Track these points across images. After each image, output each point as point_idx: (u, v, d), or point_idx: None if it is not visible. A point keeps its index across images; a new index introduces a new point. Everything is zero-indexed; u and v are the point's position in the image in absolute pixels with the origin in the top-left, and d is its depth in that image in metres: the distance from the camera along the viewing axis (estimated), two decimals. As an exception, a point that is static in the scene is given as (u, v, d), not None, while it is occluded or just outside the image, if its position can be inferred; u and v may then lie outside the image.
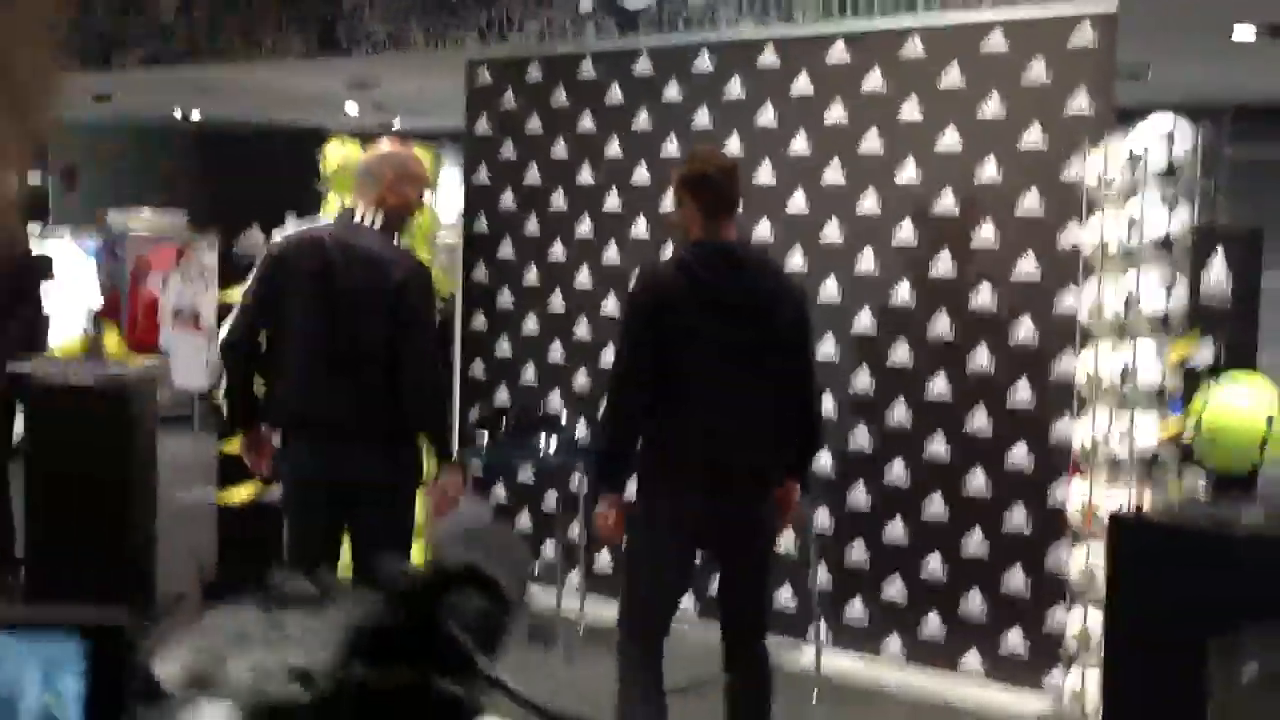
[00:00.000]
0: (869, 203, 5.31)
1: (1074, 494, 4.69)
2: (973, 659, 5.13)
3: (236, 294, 6.52)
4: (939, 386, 5.17)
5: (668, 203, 5.82)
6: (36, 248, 9.90)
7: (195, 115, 12.13)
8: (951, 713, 4.94)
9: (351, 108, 10.00)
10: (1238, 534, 3.23)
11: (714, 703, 3.85)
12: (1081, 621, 4.61)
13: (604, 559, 6.00)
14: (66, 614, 0.47)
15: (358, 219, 3.95)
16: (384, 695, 0.43)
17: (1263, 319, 4.12)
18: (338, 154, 6.35)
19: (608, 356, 6.02)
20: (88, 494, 5.51)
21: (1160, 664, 3.28)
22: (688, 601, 5.58)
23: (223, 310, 6.49)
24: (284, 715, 0.41)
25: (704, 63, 5.74)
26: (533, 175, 6.28)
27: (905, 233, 5.23)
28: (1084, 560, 4.57)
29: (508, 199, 6.35)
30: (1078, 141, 4.72)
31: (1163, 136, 4.43)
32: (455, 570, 0.46)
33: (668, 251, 5.82)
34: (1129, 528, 3.47)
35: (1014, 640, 5.04)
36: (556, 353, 6.18)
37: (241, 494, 6.40)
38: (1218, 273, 4.11)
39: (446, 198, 8.26)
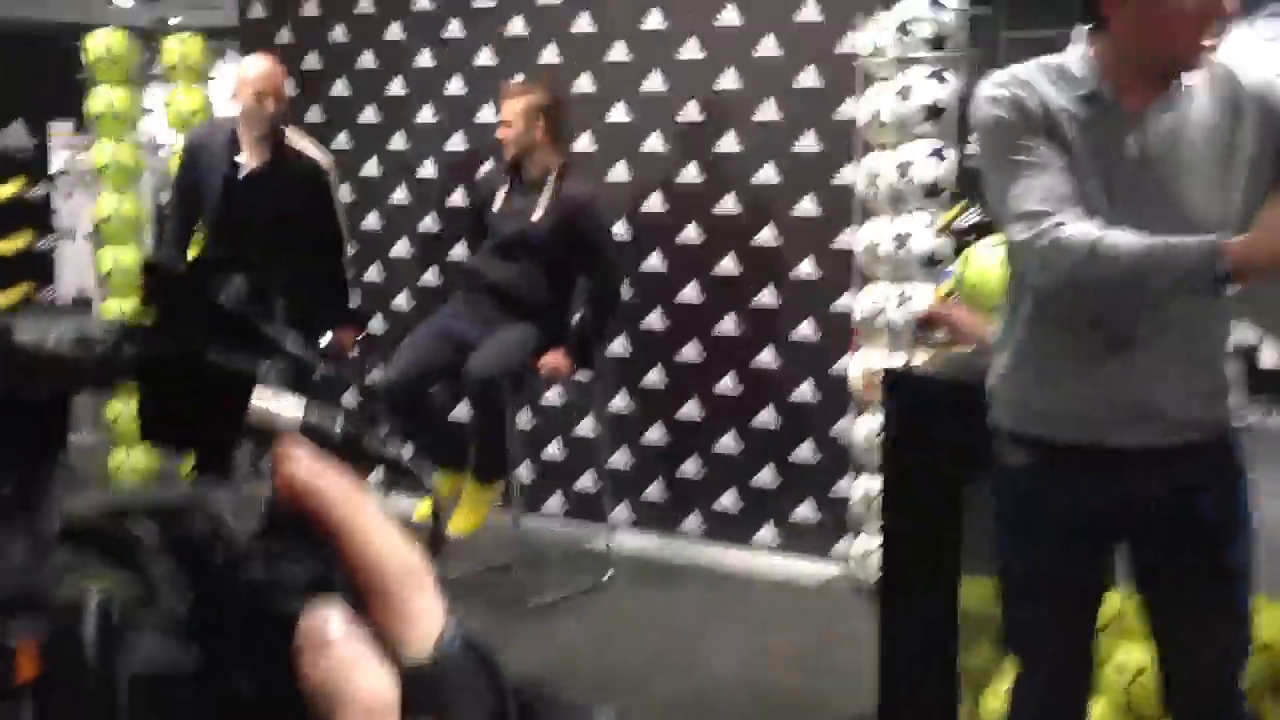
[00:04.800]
0: (654, 81, 5.28)
1: (855, 364, 4.82)
2: (767, 532, 5.27)
3: (4, 191, 6.18)
4: (727, 264, 5.22)
5: (454, 85, 5.70)
6: None
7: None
8: (747, 584, 5.07)
9: (123, 2, 9.46)
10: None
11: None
12: (865, 488, 4.77)
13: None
14: None
15: None
16: (159, 367, 0.45)
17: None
18: (100, 44, 6.02)
19: (400, 247, 5.90)
20: None
21: (924, 510, 3.41)
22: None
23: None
24: (60, 366, 0.42)
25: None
26: (312, 61, 6.05)
27: (690, 111, 5.23)
28: (867, 429, 4.72)
29: (289, 87, 6.10)
30: (851, 14, 4.77)
31: (930, 6, 4.52)
32: (215, 260, 0.49)
33: (454, 142, 5.72)
34: (899, 383, 3.57)
35: (805, 511, 5.19)
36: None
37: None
38: (983, 139, 4.22)
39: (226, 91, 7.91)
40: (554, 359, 4.68)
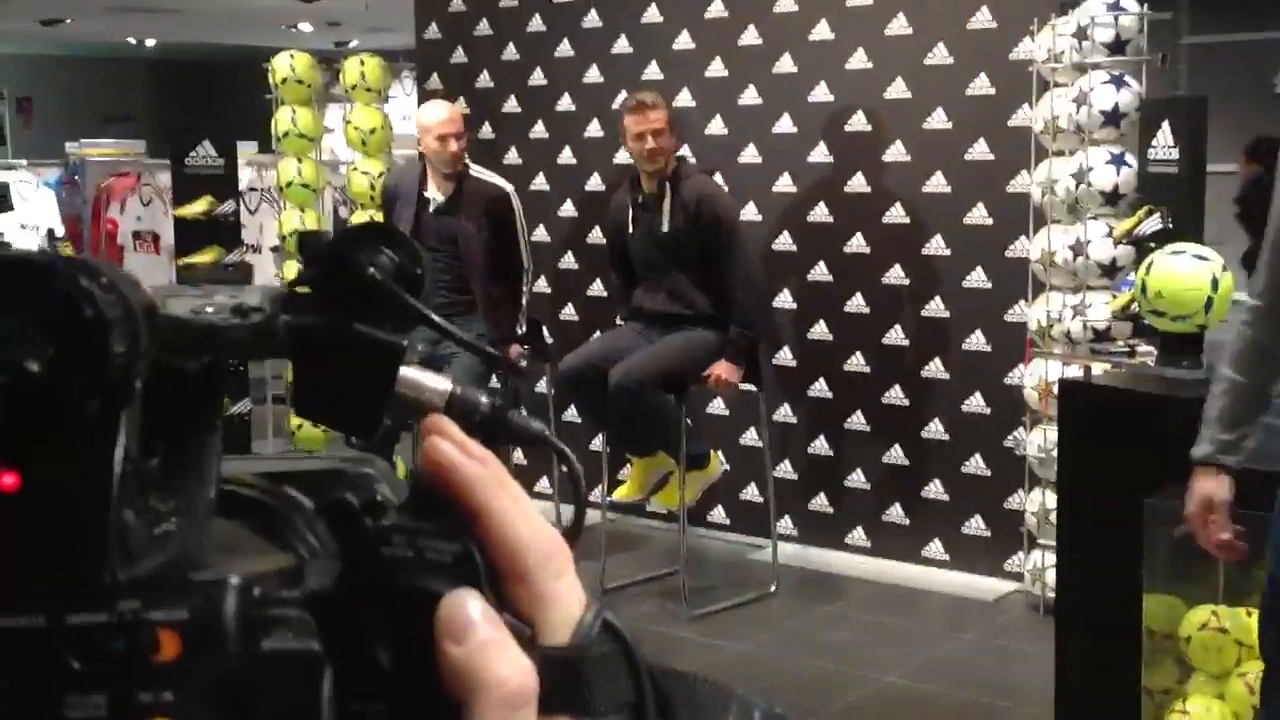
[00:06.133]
0: (820, 91, 5.26)
1: (1030, 375, 4.72)
2: (936, 546, 5.18)
3: (193, 209, 6.48)
4: (895, 274, 5.16)
5: (621, 100, 5.77)
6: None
7: (150, 42, 11.96)
8: (915, 598, 5.00)
9: (306, 27, 9.86)
10: (1174, 395, 3.25)
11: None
12: (1040, 502, 4.66)
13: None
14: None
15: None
16: (311, 337, 0.45)
17: (1209, 189, 4.12)
18: (285, 66, 6.27)
19: (567, 259, 6.00)
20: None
21: (1103, 527, 3.32)
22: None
23: (180, 226, 6.44)
24: (221, 336, 0.42)
25: (653, -43, 5.66)
26: (484, 80, 6.20)
27: (857, 120, 5.19)
28: (1042, 440, 4.61)
29: (460, 105, 6.27)
30: (1026, 19, 4.68)
31: (1109, 10, 4.41)
32: (368, 228, 0.48)
33: (620, 155, 5.78)
34: (1076, 393, 3.49)
35: (975, 525, 5.09)
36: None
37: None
38: (1164, 144, 4.10)
39: (402, 111, 8.17)
40: (721, 368, 4.66)
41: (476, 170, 5.12)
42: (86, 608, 0.34)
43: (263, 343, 0.45)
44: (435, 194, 5.02)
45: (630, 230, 4.79)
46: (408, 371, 0.48)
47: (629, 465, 5.04)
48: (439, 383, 0.49)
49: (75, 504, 0.35)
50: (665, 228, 4.66)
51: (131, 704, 0.33)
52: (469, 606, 0.37)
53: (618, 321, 5.31)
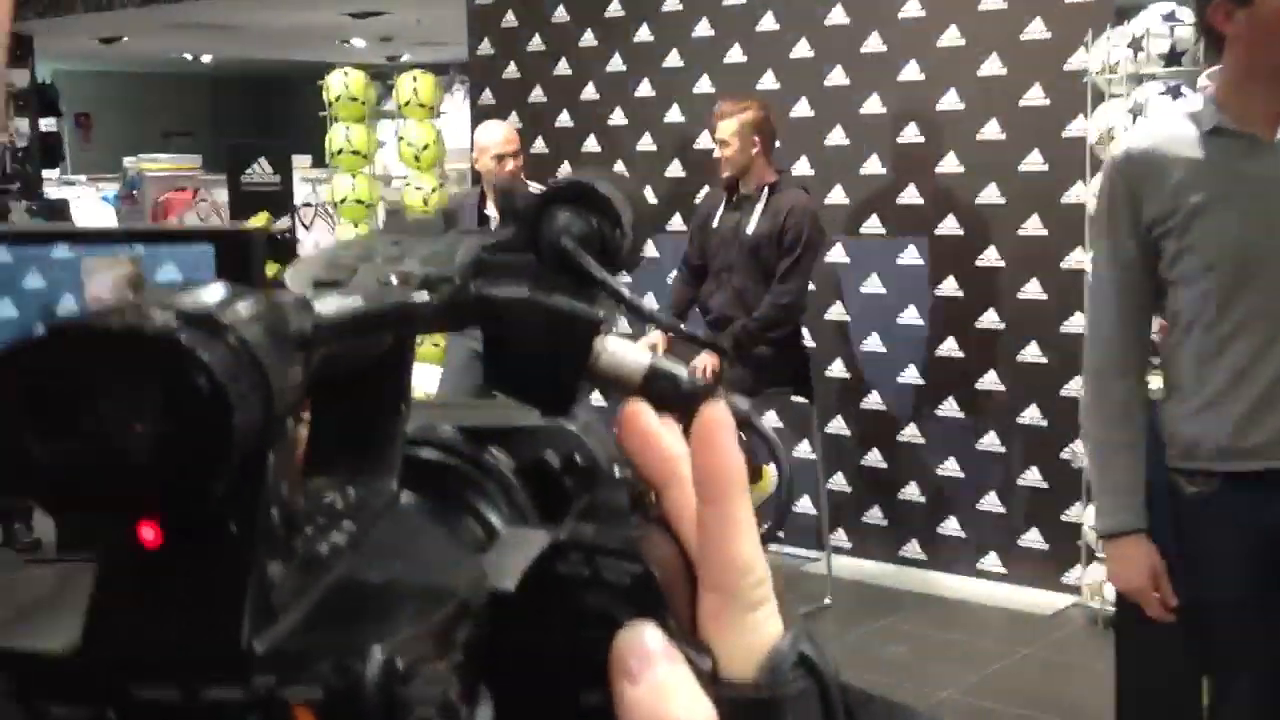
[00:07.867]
0: (872, 103, 5.25)
1: (1086, 387, 4.67)
2: (992, 559, 5.15)
3: (252, 223, 6.58)
4: (949, 286, 5.15)
5: (672, 114, 5.80)
6: (54, 193, 9.96)
7: (206, 58, 12.13)
8: (971, 613, 4.97)
9: (359, 42, 9.96)
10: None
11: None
12: (1098, 515, 4.62)
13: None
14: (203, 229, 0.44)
15: None
16: (501, 309, 0.43)
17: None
18: (340, 84, 6.35)
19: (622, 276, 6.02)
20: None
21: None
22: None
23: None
24: (408, 316, 0.40)
25: (704, -29, 5.68)
26: (537, 95, 6.25)
27: (909, 133, 5.18)
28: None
29: (513, 120, 6.32)
30: (1081, 30, 4.65)
31: (1165, 21, 4.37)
32: (568, 188, 0.46)
33: (672, 169, 5.81)
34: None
35: (1032, 538, 5.05)
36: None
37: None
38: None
39: (454, 125, 8.24)
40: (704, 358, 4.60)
41: (535, 189, 5.16)
42: (222, 681, 0.31)
43: (451, 316, 0.42)
44: (495, 213, 5.11)
45: (715, 225, 4.82)
46: (604, 341, 0.45)
47: None
48: (638, 354, 0.46)
49: (212, 566, 0.31)
50: (750, 229, 4.70)
51: None
52: (647, 640, 0.33)
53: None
